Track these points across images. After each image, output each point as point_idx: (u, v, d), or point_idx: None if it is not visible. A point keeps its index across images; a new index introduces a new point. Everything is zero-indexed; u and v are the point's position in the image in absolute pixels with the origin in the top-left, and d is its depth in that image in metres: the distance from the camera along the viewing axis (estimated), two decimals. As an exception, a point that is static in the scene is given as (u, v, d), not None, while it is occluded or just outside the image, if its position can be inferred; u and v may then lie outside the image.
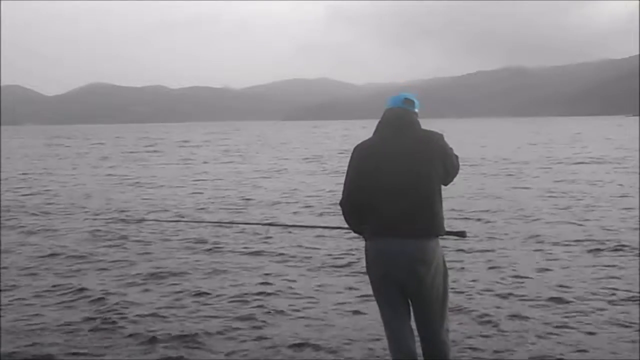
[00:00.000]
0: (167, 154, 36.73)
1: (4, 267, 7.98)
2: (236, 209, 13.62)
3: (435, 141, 3.60)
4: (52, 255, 8.79)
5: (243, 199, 15.13)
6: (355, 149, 3.73)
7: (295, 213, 12.90)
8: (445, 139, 3.57)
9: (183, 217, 12.38)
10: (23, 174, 23.36)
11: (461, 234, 3.84)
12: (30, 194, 16.74)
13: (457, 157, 3.70)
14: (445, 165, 3.58)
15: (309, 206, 13.83)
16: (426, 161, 3.52)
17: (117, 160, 31.65)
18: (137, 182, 19.73)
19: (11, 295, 6.74)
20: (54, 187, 18.51)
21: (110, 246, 9.37)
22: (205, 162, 28.88)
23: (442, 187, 3.59)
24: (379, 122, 3.71)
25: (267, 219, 11.94)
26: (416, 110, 3.72)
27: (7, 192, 17.10)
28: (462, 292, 6.46)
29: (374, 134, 3.71)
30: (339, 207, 3.82)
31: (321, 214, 12.54)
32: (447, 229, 3.64)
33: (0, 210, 13.47)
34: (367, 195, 3.59)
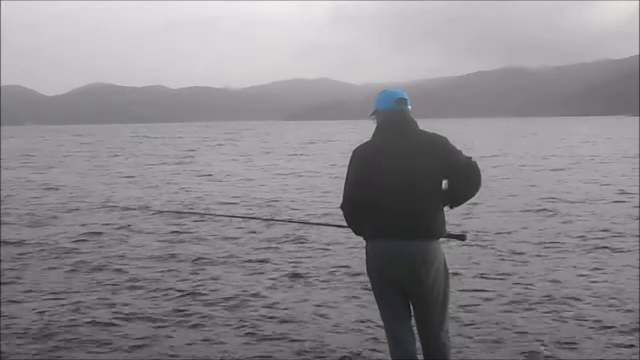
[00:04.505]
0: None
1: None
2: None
3: (436, 141, 3.56)
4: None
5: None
6: (354, 151, 3.71)
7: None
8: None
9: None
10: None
11: (461, 237, 3.80)
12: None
13: (472, 160, 3.57)
14: (450, 164, 3.50)
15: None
16: (426, 161, 3.48)
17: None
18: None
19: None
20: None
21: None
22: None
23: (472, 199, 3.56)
24: (377, 125, 3.68)
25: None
26: (409, 107, 3.69)
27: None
28: (463, 294, 6.45)
29: (373, 136, 3.69)
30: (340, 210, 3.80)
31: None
32: (447, 232, 3.60)
33: (1, 209, 13.47)
34: (367, 196, 3.57)
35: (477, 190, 3.57)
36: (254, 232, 10.23)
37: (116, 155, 35.82)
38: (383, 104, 3.67)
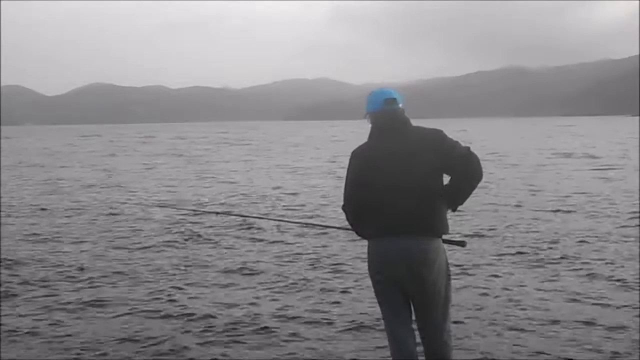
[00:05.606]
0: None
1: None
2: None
3: (432, 135, 3.55)
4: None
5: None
6: (352, 153, 3.70)
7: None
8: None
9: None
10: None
11: (461, 244, 3.77)
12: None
13: (470, 150, 3.51)
14: (449, 157, 3.46)
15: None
16: (425, 157, 3.47)
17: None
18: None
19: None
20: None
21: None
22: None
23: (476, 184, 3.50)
24: (371, 127, 3.67)
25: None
26: (400, 105, 3.66)
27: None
28: (465, 293, 6.41)
29: (369, 138, 3.68)
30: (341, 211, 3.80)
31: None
32: (447, 237, 3.58)
33: (0, 208, 13.42)
34: (367, 196, 3.56)
35: (478, 181, 3.51)
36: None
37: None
38: (372, 105, 3.66)
